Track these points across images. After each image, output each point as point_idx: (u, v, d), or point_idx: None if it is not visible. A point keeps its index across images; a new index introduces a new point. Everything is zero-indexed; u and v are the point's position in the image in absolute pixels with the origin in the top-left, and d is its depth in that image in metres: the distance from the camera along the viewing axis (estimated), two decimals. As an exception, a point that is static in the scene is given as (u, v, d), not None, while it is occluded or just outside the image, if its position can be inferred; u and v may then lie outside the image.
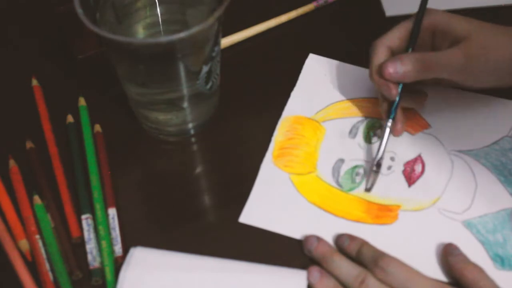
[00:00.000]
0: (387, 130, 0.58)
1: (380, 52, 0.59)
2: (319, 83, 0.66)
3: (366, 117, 0.64)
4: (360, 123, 0.63)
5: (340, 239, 0.56)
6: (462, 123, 0.63)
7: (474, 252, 0.54)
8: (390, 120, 0.58)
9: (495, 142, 0.62)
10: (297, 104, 0.65)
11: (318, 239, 0.55)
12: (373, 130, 0.63)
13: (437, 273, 0.54)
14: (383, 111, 0.60)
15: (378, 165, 0.58)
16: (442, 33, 0.59)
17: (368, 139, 0.62)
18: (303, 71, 0.67)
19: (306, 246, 0.55)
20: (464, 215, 0.57)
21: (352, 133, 0.63)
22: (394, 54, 0.60)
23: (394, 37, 0.60)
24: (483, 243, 0.56)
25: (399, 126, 0.60)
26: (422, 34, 0.60)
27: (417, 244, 0.56)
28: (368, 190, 0.59)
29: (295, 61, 0.68)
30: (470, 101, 0.64)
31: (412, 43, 0.59)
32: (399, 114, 0.60)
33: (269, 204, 0.58)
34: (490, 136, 0.62)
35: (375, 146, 0.62)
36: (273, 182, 0.60)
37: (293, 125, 0.63)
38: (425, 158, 0.61)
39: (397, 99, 0.58)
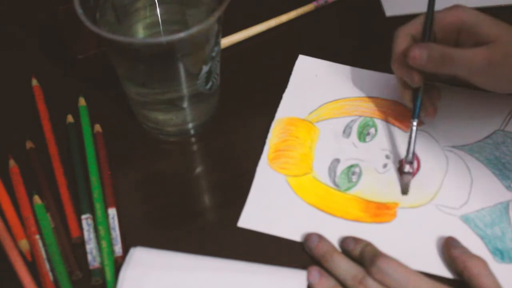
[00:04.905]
0: (414, 129, 0.58)
1: (402, 40, 0.59)
2: (311, 84, 0.67)
3: (359, 116, 0.64)
4: (353, 122, 0.64)
5: (345, 242, 0.56)
6: (455, 118, 0.63)
7: (474, 246, 0.55)
8: (416, 120, 0.58)
9: (488, 136, 0.62)
10: (290, 105, 0.65)
11: (320, 237, 0.56)
12: (366, 129, 0.63)
13: (438, 269, 0.54)
14: (406, 100, 0.61)
15: (410, 162, 0.58)
16: (468, 32, 0.58)
17: (362, 138, 0.62)
18: (294, 73, 0.67)
19: (307, 244, 0.56)
20: (462, 210, 0.58)
21: (346, 132, 0.63)
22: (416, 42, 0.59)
23: (417, 25, 0.59)
24: (481, 237, 0.56)
25: (430, 109, 0.60)
26: (446, 29, 0.59)
27: (416, 241, 0.56)
28: (405, 193, 0.59)
29: (295, 61, 0.68)
30: (461, 96, 0.64)
31: (426, 36, 0.59)
32: (425, 99, 0.60)
33: (267, 207, 0.58)
34: (483, 130, 0.62)
35: (369, 144, 0.62)
36: (270, 185, 0.60)
37: (286, 127, 0.63)
38: (420, 155, 0.61)
39: (420, 92, 0.59)
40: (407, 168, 0.58)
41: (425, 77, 0.59)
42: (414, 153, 0.58)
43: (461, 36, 0.59)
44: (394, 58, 0.60)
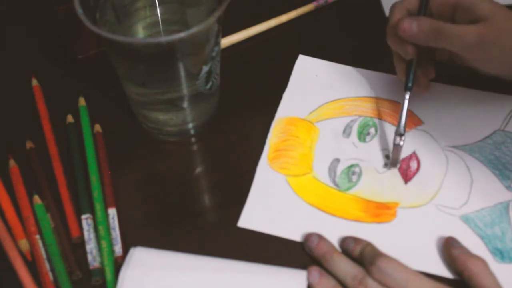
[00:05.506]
0: (406, 101, 0.59)
1: (397, 12, 0.60)
2: (311, 84, 0.67)
3: (359, 116, 0.64)
4: (353, 122, 0.64)
5: (345, 242, 0.56)
6: (455, 118, 0.63)
7: (474, 246, 0.55)
8: (408, 93, 0.59)
9: (488, 136, 0.62)
10: (290, 105, 0.65)
11: (319, 237, 0.56)
12: (366, 129, 0.63)
13: (438, 269, 0.54)
14: (400, 72, 0.61)
15: (401, 135, 0.58)
16: (463, 9, 0.58)
17: (362, 138, 0.62)
18: (294, 73, 0.67)
19: (307, 244, 0.56)
20: (462, 210, 0.58)
21: (346, 132, 0.63)
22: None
23: (414, 0, 0.60)
24: (482, 237, 0.56)
25: (423, 83, 0.61)
26: (442, 5, 0.59)
27: (416, 241, 0.56)
28: (393, 165, 0.59)
29: (295, 61, 0.68)
30: (461, 96, 0.64)
31: (421, 10, 0.59)
32: (419, 72, 0.61)
33: (267, 207, 0.58)
34: (483, 130, 0.62)
35: (369, 144, 0.62)
36: (270, 184, 0.60)
37: (286, 127, 0.63)
38: (419, 154, 0.61)
39: (413, 63, 0.59)
40: (397, 140, 0.59)
41: (419, 51, 0.59)
42: (405, 126, 0.59)
43: (456, 13, 0.59)
44: (388, 31, 0.60)
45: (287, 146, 0.62)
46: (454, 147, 0.61)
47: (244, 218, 0.58)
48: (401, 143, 0.59)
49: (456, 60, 0.62)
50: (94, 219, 0.58)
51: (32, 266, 0.55)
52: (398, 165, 0.60)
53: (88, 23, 0.53)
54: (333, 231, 0.57)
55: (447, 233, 0.56)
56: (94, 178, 0.59)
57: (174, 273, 0.53)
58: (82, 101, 0.65)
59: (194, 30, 0.52)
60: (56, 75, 0.69)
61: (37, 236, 0.56)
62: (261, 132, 0.63)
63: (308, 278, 0.53)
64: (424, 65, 0.61)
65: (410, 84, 0.59)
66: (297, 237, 0.57)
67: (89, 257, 0.56)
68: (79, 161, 0.61)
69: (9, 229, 0.57)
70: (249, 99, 0.66)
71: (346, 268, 0.53)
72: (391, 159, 0.60)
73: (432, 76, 0.62)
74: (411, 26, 0.58)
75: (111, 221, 0.57)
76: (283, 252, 0.56)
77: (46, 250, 0.56)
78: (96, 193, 0.59)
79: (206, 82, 0.59)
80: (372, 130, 0.63)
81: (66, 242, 0.57)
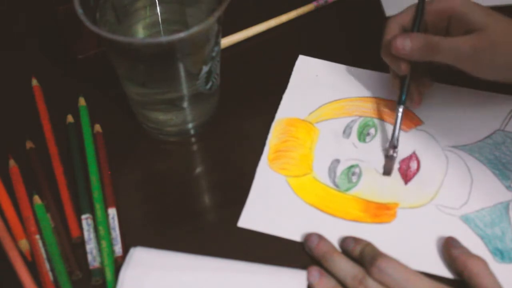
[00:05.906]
0: (399, 115, 0.59)
1: (391, 29, 0.60)
2: (311, 84, 0.67)
3: (359, 116, 0.64)
4: (353, 122, 0.64)
5: (345, 242, 0.56)
6: (455, 118, 0.63)
7: (474, 246, 0.55)
8: (402, 106, 0.59)
9: (488, 136, 0.62)
10: (290, 106, 0.65)
11: (320, 237, 0.56)
12: (366, 129, 0.63)
13: (438, 269, 0.54)
14: (395, 87, 0.61)
15: (394, 147, 0.59)
16: (458, 20, 0.58)
17: (362, 138, 0.62)
18: (294, 73, 0.67)
19: (307, 244, 0.56)
20: (462, 210, 0.58)
21: (346, 133, 0.63)
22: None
23: (407, 15, 0.60)
24: (482, 237, 0.56)
25: (416, 98, 0.62)
26: (437, 17, 0.59)
27: (416, 241, 0.56)
28: (387, 174, 0.60)
29: (295, 61, 0.68)
30: (461, 96, 0.64)
31: (415, 25, 0.59)
32: (413, 88, 0.61)
33: (267, 208, 0.58)
34: (483, 130, 0.62)
35: (369, 145, 0.62)
36: (270, 185, 0.60)
37: (286, 128, 0.63)
38: (419, 155, 0.61)
39: (407, 78, 0.60)
40: (390, 152, 0.59)
41: (415, 65, 0.59)
42: (398, 138, 0.59)
43: (451, 24, 0.59)
44: (382, 47, 0.60)
45: (287, 147, 0.62)
46: (454, 147, 0.61)
47: (244, 218, 0.58)
48: (395, 155, 0.59)
49: (453, 68, 0.62)
50: (94, 219, 0.58)
51: (32, 266, 0.55)
52: (391, 174, 0.60)
53: (88, 23, 0.53)
54: (333, 231, 0.57)
55: (447, 233, 0.56)
56: (94, 178, 0.59)
57: (174, 273, 0.53)
58: (82, 101, 0.65)
59: (194, 30, 0.52)
60: (56, 75, 0.69)
61: (37, 236, 0.56)
62: (261, 133, 0.63)
63: (308, 278, 0.53)
64: (418, 78, 0.62)
65: (403, 99, 0.60)
66: (297, 237, 0.57)
67: (89, 257, 0.56)
68: (79, 161, 0.61)
69: (9, 229, 0.57)
70: (249, 99, 0.66)
71: (346, 268, 0.53)
72: (384, 169, 0.60)
73: (428, 88, 0.63)
74: (403, 44, 0.58)
75: (111, 221, 0.57)
76: (283, 252, 0.56)
77: (46, 250, 0.56)
78: (96, 193, 0.59)
79: (206, 82, 0.59)
80: (372, 131, 0.63)
81: (66, 242, 0.57)
